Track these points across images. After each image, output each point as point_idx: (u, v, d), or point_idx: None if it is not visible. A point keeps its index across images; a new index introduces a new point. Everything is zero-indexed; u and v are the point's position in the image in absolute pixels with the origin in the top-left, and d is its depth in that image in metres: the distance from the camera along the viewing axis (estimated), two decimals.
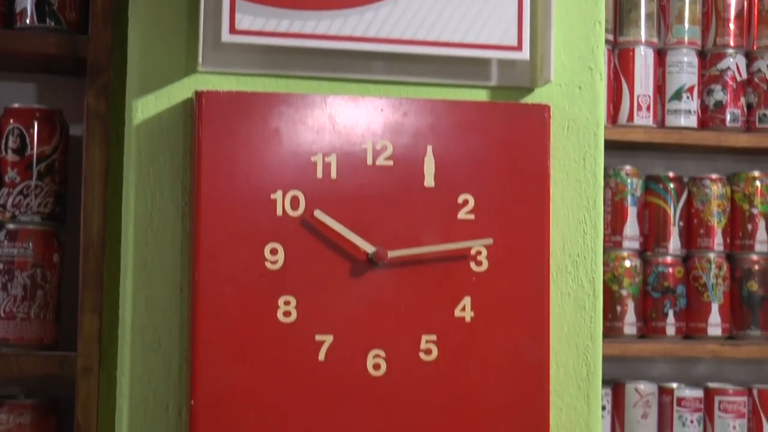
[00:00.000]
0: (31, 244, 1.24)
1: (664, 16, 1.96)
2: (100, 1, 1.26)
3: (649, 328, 1.92)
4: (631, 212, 1.93)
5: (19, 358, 1.22)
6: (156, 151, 1.01)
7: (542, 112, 1.08)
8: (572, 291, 1.08)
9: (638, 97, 1.92)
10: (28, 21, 1.31)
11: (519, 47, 1.08)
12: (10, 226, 1.26)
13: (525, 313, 1.03)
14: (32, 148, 1.26)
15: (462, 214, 1.01)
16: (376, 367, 0.97)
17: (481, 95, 1.13)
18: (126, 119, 1.09)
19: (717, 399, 1.90)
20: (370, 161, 0.99)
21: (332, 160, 0.97)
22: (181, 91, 1.05)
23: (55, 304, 1.27)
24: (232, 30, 1.00)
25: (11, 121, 1.25)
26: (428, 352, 0.99)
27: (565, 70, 1.16)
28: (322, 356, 0.96)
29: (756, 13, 2.00)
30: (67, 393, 1.26)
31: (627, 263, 1.92)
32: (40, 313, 1.24)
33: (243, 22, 1.00)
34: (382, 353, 0.98)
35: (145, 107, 1.04)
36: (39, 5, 1.28)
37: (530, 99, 1.14)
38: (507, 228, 1.03)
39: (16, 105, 1.32)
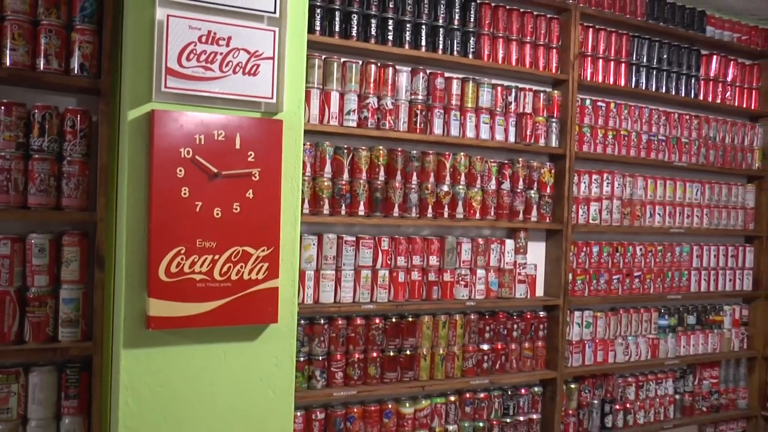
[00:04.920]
0: (77, 166, 2.45)
1: (324, 77, 3.20)
2: (106, 64, 2.37)
3: (336, 212, 3.23)
4: (328, 161, 3.20)
5: (74, 213, 2.44)
6: (135, 135, 2.08)
7: (281, 123, 2.21)
8: (288, 190, 2.28)
9: (331, 112, 3.21)
10: (76, 72, 2.40)
11: (272, 98, 2.21)
12: (68, 158, 2.44)
13: (270, 196, 2.19)
14: (76, 125, 2.45)
15: (250, 158, 2.15)
16: (217, 214, 2.15)
17: (258, 114, 2.21)
18: (121, 118, 2.11)
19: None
20: (216, 137, 2.12)
21: (202, 137, 2.12)
22: (147, 107, 2.07)
23: (87, 189, 2.48)
24: (165, 87, 2.07)
25: (68, 114, 2.44)
26: (236, 209, 2.16)
27: (289, 105, 2.24)
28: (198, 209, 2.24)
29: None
30: (92, 229, 2.46)
31: (326, 183, 3.17)
32: (79, 195, 2.45)
33: (170, 83, 2.08)
34: (220, 209, 2.15)
35: (132, 113, 2.05)
36: (81, 66, 2.38)
37: (276, 117, 2.23)
38: (266, 164, 2.16)
39: (70, 107, 2.43)
